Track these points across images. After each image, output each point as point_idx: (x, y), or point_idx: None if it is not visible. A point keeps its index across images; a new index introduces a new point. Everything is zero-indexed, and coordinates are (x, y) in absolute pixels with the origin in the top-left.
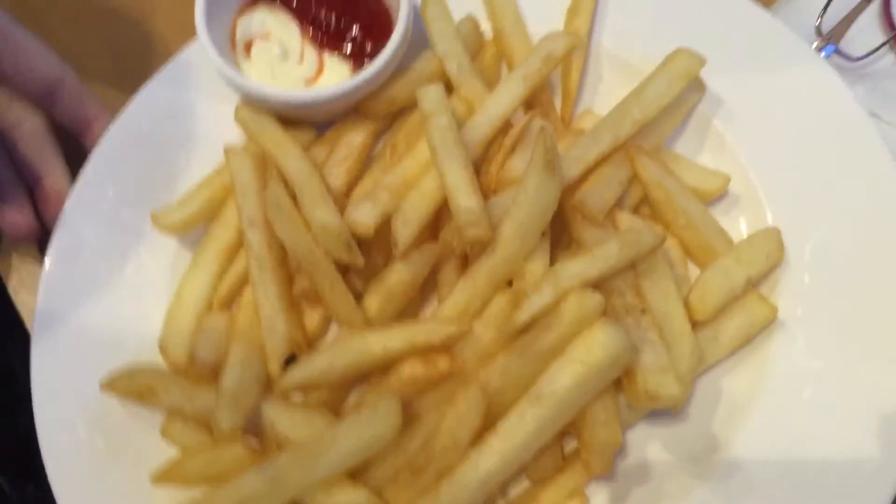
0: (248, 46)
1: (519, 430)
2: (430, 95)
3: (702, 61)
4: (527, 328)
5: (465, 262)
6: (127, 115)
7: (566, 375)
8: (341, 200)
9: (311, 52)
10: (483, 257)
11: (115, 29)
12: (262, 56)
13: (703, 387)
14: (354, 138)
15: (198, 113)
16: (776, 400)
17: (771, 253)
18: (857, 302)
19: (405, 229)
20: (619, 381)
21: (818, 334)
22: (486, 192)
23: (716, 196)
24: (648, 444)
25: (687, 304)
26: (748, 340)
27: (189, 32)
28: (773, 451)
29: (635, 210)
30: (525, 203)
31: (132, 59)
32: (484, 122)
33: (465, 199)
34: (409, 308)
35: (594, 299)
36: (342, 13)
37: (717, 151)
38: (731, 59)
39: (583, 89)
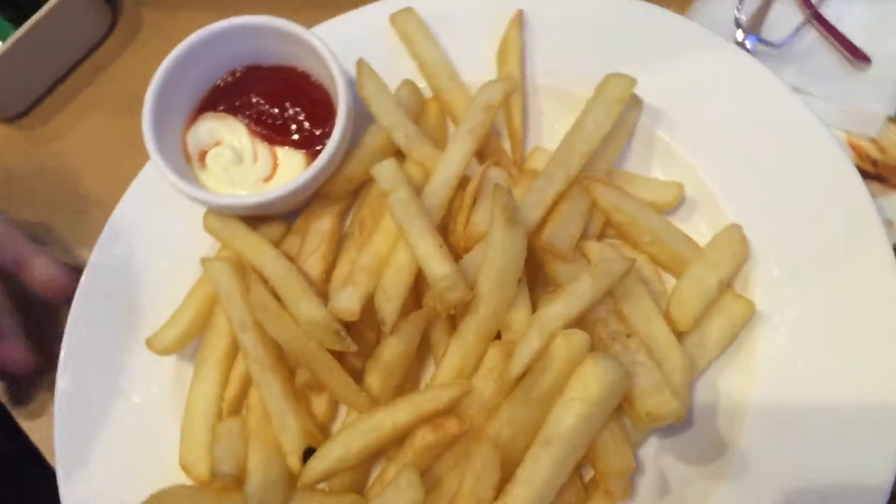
0: (202, 157)
1: (537, 474)
2: (385, 173)
3: (632, 81)
4: (523, 376)
5: (454, 321)
6: (98, 252)
7: (569, 415)
8: (322, 287)
9: (263, 150)
10: (468, 316)
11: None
12: (217, 164)
13: (700, 391)
14: (322, 225)
15: (168, 230)
16: (770, 387)
17: (736, 251)
18: (827, 281)
19: (388, 305)
20: (621, 405)
21: (797, 318)
22: (456, 251)
23: (674, 205)
24: (661, 457)
25: (668, 318)
26: (733, 338)
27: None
28: (777, 436)
29: (601, 235)
30: (495, 259)
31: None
32: (440, 184)
33: (437, 266)
34: (410, 375)
35: (580, 338)
36: (283, 105)
37: (666, 161)
38: (658, 69)
39: (528, 126)
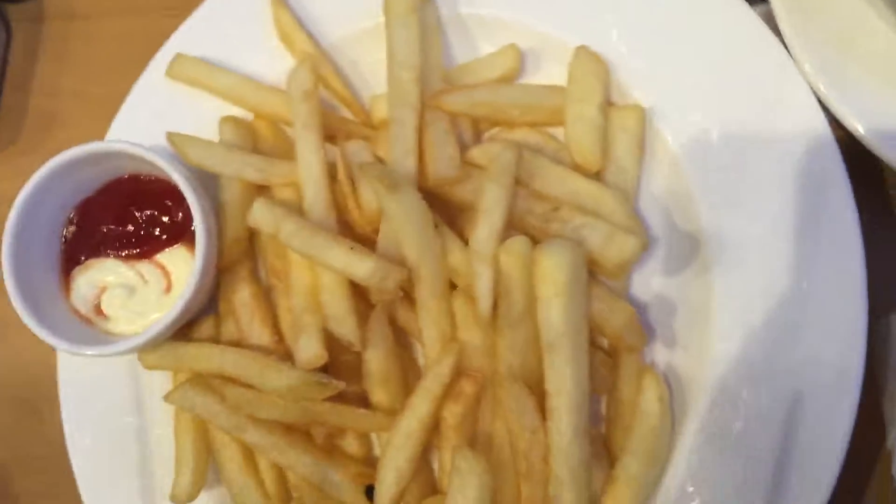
0: (97, 310)
1: (562, 378)
2: (261, 216)
3: None
4: (495, 305)
5: (409, 296)
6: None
7: (554, 312)
8: (281, 348)
9: (145, 267)
10: (416, 286)
11: None
12: (113, 307)
13: (647, 208)
14: (242, 296)
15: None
16: (695, 161)
17: (595, 71)
18: (672, 39)
19: (344, 327)
20: (591, 272)
21: (674, 86)
22: (368, 235)
23: (518, 68)
24: (651, 284)
25: (578, 168)
26: (643, 146)
27: None
28: (725, 204)
29: (478, 134)
30: (403, 224)
31: None
32: (314, 191)
33: (360, 267)
34: (405, 366)
35: (519, 243)
36: (133, 217)
37: (487, 31)
38: None
39: (352, 82)
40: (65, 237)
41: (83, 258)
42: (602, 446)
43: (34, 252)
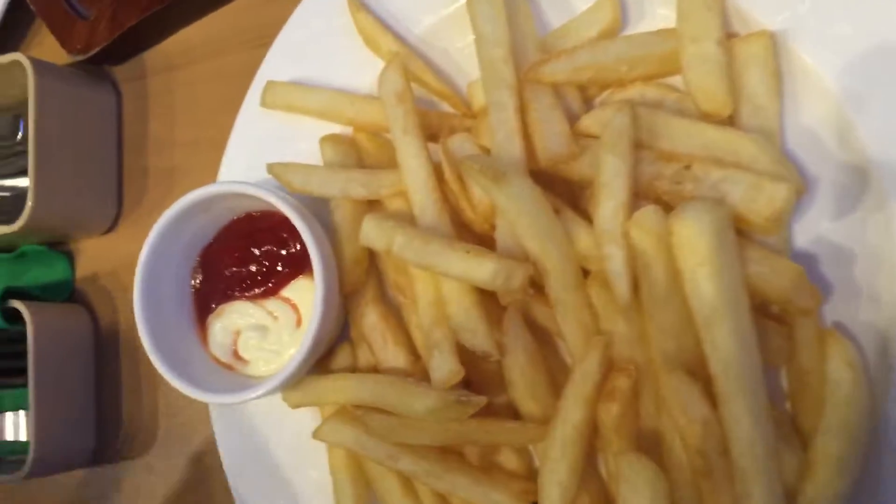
0: (236, 355)
1: (728, 355)
2: (372, 234)
3: None
4: (636, 287)
5: (540, 290)
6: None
7: (704, 284)
8: (420, 367)
9: (274, 304)
10: (546, 280)
11: None
12: (250, 351)
13: (796, 144)
14: (370, 319)
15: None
16: (851, 75)
17: (707, 2)
18: None
19: (477, 337)
20: (742, 231)
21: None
22: (486, 233)
23: (620, 19)
24: (816, 226)
25: (707, 117)
26: (779, 76)
27: None
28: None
29: (588, 102)
30: (520, 217)
31: None
32: (423, 196)
33: (480, 271)
34: (552, 367)
35: (649, 214)
36: (254, 256)
37: None
38: None
39: (447, 73)
40: (193, 287)
41: (214, 305)
42: (790, 428)
43: (166, 308)
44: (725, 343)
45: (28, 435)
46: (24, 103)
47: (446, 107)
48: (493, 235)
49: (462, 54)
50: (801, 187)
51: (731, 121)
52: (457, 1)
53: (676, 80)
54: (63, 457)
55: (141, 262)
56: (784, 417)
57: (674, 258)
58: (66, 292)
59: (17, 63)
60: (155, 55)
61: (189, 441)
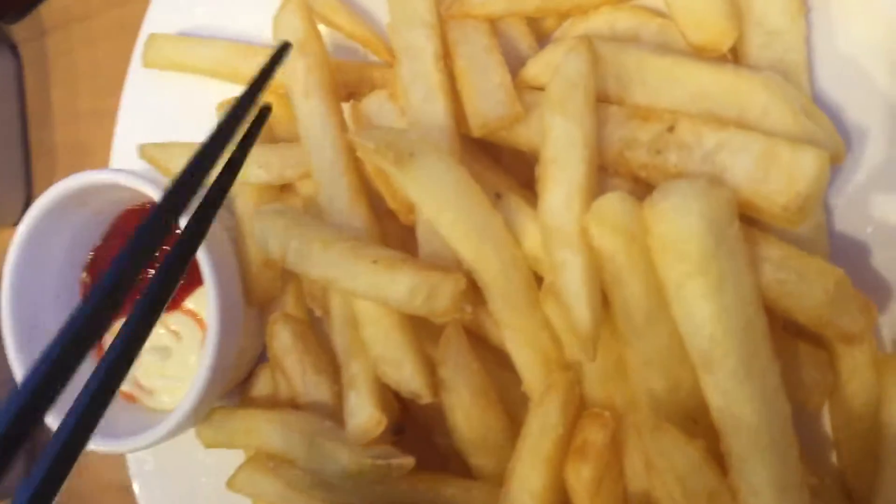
0: (137, 384)
1: (738, 403)
2: (264, 231)
3: None
4: (605, 302)
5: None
6: None
7: (696, 302)
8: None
9: (177, 321)
10: (486, 297)
11: None
12: (152, 379)
13: (831, 78)
14: (282, 341)
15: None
16: None
17: None
18: None
19: (399, 373)
20: (753, 220)
21: None
22: (411, 221)
23: None
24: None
25: (700, 52)
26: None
27: None
28: None
29: (540, 43)
30: (439, 211)
31: None
32: (328, 180)
33: (389, 289)
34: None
35: (613, 203)
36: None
37: None
38: None
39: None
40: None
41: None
42: (835, 492)
43: (48, 328)
44: (733, 388)
45: None
46: None
47: (372, 56)
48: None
49: None
50: (839, 150)
51: (733, 56)
52: None
53: (657, 1)
54: None
55: (6, 275)
56: (826, 481)
57: (654, 265)
58: None
59: None
60: (51, 8)
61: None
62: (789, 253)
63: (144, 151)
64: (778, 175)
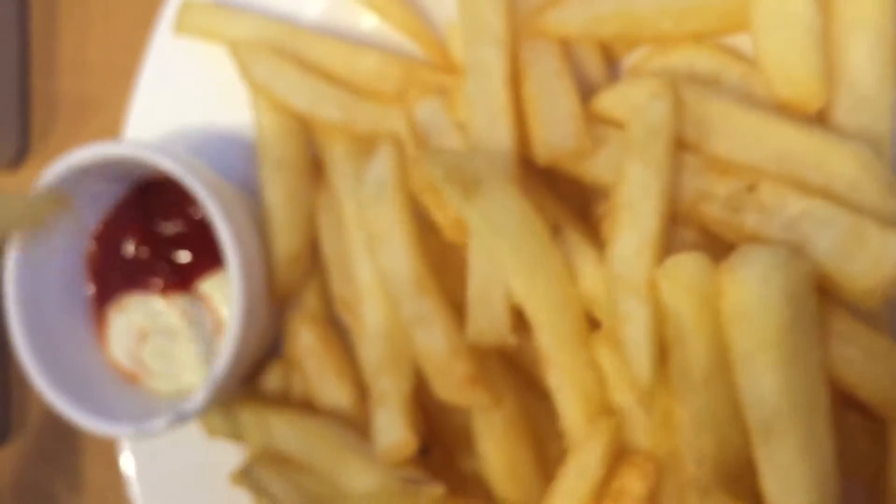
0: (139, 362)
1: (793, 478)
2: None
3: None
4: (663, 354)
5: None
6: None
7: (764, 377)
8: (360, 412)
9: (190, 304)
10: (536, 333)
11: None
12: (159, 361)
13: None
14: (306, 340)
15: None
16: None
17: None
18: None
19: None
20: (828, 293)
21: None
22: (456, 238)
23: None
24: None
25: (786, 108)
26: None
27: None
28: None
29: (611, 69)
30: (498, 244)
31: None
32: None
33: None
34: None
35: (689, 265)
36: (170, 240)
37: None
38: None
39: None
40: (89, 273)
41: (115, 296)
42: None
43: (53, 300)
44: (788, 462)
45: None
46: None
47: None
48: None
49: None
50: None
51: (821, 116)
52: None
53: (744, 42)
54: None
55: (15, 241)
56: None
57: (722, 329)
58: None
59: None
60: None
61: None
62: (858, 329)
63: (236, 49)
64: (864, 257)
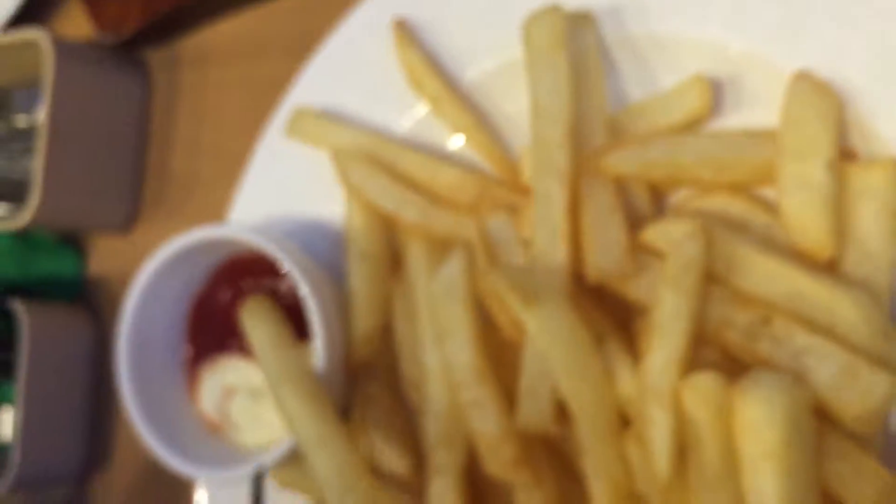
0: (226, 416)
1: None
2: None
3: (555, 12)
4: (682, 454)
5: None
6: None
7: (767, 481)
8: (414, 481)
9: None
10: (576, 424)
11: None
12: (241, 415)
13: None
14: (377, 411)
15: None
16: None
17: (821, 109)
18: None
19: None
20: (825, 415)
21: None
22: (512, 336)
23: (709, 106)
24: None
25: (802, 255)
26: None
27: None
28: None
29: (658, 201)
30: (552, 350)
31: None
32: None
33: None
34: None
35: (707, 383)
36: None
37: (667, 57)
38: None
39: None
40: (186, 333)
41: (210, 355)
42: None
43: (155, 355)
44: None
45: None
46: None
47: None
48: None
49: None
50: None
51: (831, 265)
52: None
53: (771, 193)
54: (48, 468)
55: (131, 302)
56: None
57: (733, 438)
58: (73, 291)
59: (35, 43)
60: (188, 46)
61: None
62: (849, 449)
63: (337, 155)
64: (854, 390)
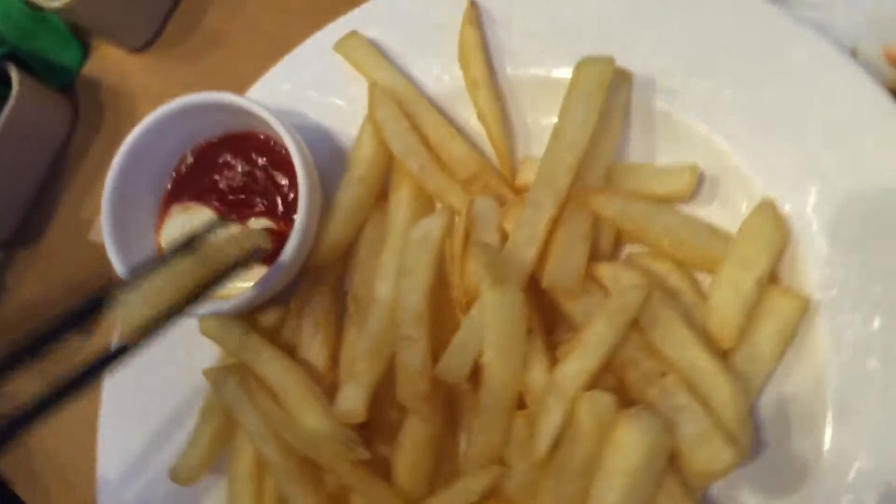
0: None
1: None
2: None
3: (609, 62)
4: (557, 444)
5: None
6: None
7: (612, 492)
8: (331, 377)
9: (236, 229)
10: (482, 388)
11: None
12: None
13: (767, 406)
14: (316, 306)
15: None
16: (846, 385)
17: (771, 236)
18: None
19: (411, 387)
20: (674, 458)
21: (861, 296)
22: (460, 300)
23: (691, 192)
24: (738, 491)
25: (709, 337)
26: (790, 341)
27: None
28: (863, 438)
29: (617, 246)
30: (492, 325)
31: None
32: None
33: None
34: (444, 454)
35: (604, 401)
36: (246, 181)
37: (673, 138)
38: (643, 29)
39: (514, 128)
40: (175, 172)
41: (185, 198)
42: None
43: (142, 178)
44: None
45: None
46: None
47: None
48: (462, 311)
49: (542, 126)
50: (744, 455)
51: (726, 354)
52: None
53: (705, 279)
54: None
55: (144, 122)
56: None
57: (602, 449)
58: (63, 79)
59: None
60: None
61: None
62: (679, 493)
63: (371, 89)
64: (705, 452)
